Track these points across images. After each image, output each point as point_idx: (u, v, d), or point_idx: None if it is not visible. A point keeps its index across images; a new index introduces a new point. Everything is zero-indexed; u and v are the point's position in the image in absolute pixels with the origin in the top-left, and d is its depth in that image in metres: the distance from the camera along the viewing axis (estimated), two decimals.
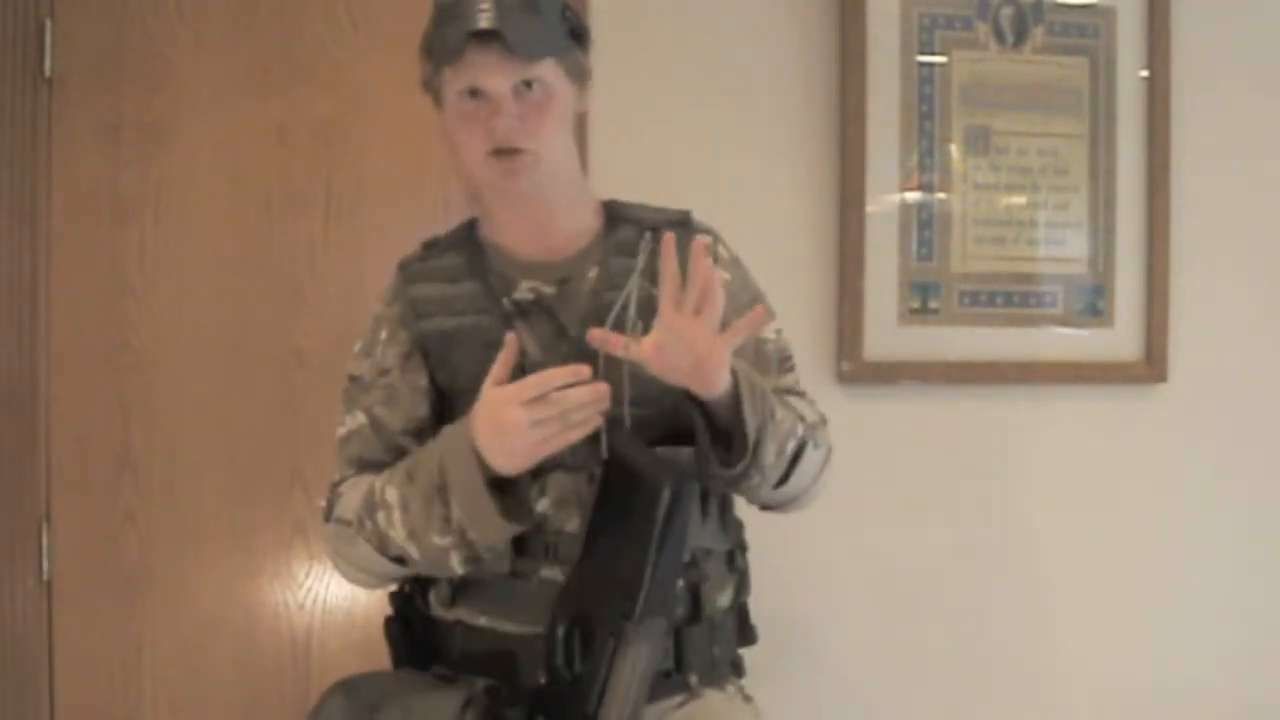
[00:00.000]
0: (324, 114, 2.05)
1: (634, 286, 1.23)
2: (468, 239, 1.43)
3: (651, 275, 1.29)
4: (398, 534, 1.28)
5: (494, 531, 1.23)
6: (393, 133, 2.04)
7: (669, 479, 1.19)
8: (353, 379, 1.43)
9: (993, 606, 2.16)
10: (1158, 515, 2.21)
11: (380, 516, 1.29)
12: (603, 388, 1.18)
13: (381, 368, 1.40)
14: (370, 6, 2.05)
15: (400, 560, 1.31)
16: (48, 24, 2.01)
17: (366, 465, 1.39)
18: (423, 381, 1.39)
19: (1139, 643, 2.20)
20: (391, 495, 1.29)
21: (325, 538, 1.41)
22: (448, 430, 1.28)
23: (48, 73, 2.01)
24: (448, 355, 1.37)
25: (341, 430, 1.42)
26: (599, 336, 1.22)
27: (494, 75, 1.27)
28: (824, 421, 1.42)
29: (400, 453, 1.38)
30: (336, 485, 1.41)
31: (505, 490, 1.24)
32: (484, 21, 1.24)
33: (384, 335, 1.41)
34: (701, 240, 1.18)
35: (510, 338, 1.23)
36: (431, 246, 1.45)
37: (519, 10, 1.26)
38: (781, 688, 2.06)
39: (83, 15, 2.01)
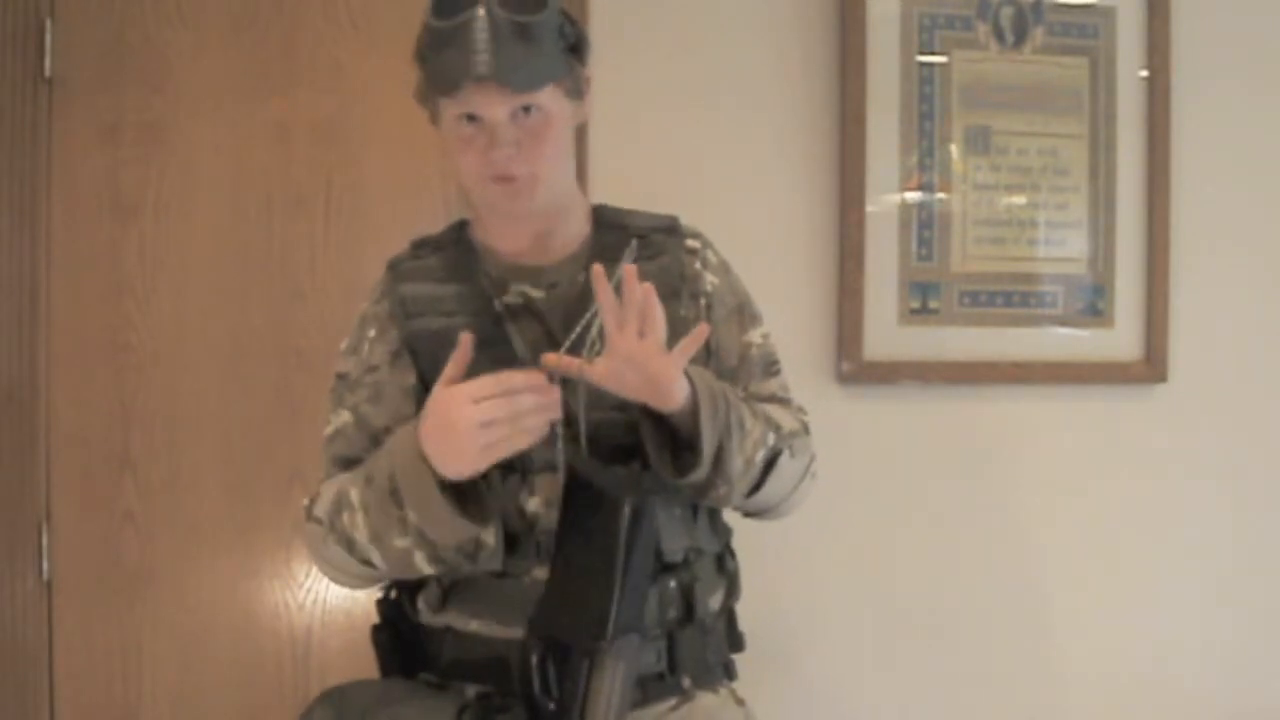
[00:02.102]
0: (324, 114, 2.05)
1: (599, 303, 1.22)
2: (458, 239, 1.43)
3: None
4: (361, 536, 1.27)
5: (451, 532, 1.21)
6: (393, 133, 2.04)
7: (629, 496, 1.18)
8: (340, 377, 1.42)
9: (991, 605, 2.16)
10: (1157, 515, 2.21)
11: (345, 518, 1.28)
12: (555, 392, 1.16)
13: (369, 365, 1.39)
14: (370, 6, 2.06)
15: (368, 563, 1.30)
16: (48, 24, 2.01)
17: (350, 464, 1.38)
18: (410, 381, 1.37)
19: (1138, 642, 2.20)
20: (355, 497, 1.28)
21: (305, 537, 1.39)
22: (399, 432, 1.26)
23: (48, 73, 2.01)
24: (437, 355, 1.34)
25: (328, 429, 1.41)
26: (553, 360, 1.21)
27: (491, 106, 1.27)
28: (806, 430, 1.41)
29: None
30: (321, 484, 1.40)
31: (461, 491, 1.21)
32: (481, 68, 1.22)
33: (372, 333, 1.40)
34: (629, 267, 1.18)
35: (464, 337, 1.20)
36: (421, 246, 1.44)
37: (515, 41, 1.24)
38: (777, 689, 2.06)
39: (83, 15, 2.01)
